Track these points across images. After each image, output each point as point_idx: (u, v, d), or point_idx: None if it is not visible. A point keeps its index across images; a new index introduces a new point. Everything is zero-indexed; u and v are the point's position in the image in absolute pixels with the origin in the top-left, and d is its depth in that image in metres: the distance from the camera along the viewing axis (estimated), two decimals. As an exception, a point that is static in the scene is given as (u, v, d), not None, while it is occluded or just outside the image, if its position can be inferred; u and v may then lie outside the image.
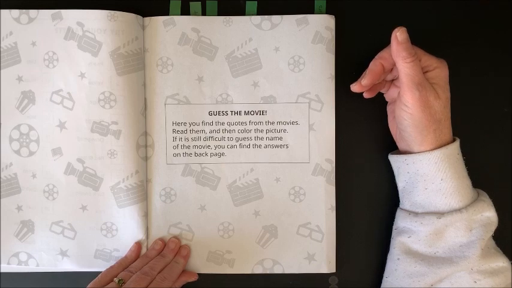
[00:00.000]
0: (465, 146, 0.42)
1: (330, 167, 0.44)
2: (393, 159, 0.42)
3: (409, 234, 0.40)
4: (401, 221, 0.41)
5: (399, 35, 0.36)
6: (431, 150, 0.38)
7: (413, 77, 0.37)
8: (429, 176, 0.39)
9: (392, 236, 0.42)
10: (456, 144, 0.39)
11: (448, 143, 0.39)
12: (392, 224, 0.43)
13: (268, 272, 0.45)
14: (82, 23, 0.42)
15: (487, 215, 0.39)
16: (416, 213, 0.40)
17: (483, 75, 0.45)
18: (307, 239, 0.44)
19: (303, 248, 0.44)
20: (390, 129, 0.43)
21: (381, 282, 0.43)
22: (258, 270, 0.45)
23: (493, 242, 0.40)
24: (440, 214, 0.38)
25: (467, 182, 0.40)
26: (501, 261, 0.38)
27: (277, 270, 0.45)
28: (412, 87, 0.37)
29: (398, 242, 0.41)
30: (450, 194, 0.38)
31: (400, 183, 0.42)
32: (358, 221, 0.45)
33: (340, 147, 0.45)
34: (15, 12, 0.43)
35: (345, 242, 0.45)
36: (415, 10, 0.45)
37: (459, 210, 0.38)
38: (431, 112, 0.37)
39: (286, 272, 0.45)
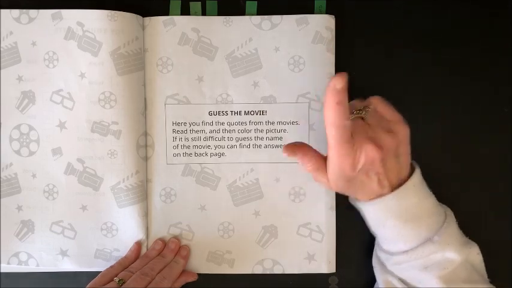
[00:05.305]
0: (465, 145, 0.42)
1: (330, 167, 0.44)
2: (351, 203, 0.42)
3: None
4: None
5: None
6: (369, 200, 0.37)
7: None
8: (373, 222, 0.39)
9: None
10: (396, 193, 0.36)
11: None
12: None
13: (268, 272, 0.45)
14: (82, 22, 0.42)
15: (440, 254, 0.36)
16: (378, 244, 0.41)
17: (483, 75, 0.45)
18: (307, 239, 0.44)
19: (303, 248, 0.44)
20: None
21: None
22: (258, 270, 0.45)
23: (463, 273, 0.36)
24: (390, 254, 0.39)
25: (417, 223, 0.36)
26: None
27: (277, 270, 0.45)
28: None
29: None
30: (395, 238, 0.37)
31: None
32: (358, 221, 0.45)
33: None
34: (15, 12, 0.43)
35: (345, 242, 0.45)
36: (415, 10, 0.45)
37: (406, 252, 0.37)
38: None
39: (286, 272, 0.45)
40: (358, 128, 0.35)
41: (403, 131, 0.36)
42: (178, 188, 0.45)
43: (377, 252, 0.41)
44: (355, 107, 0.37)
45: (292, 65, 0.44)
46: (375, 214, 0.38)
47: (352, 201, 0.41)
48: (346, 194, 0.38)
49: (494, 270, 0.39)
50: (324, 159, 0.37)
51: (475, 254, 0.38)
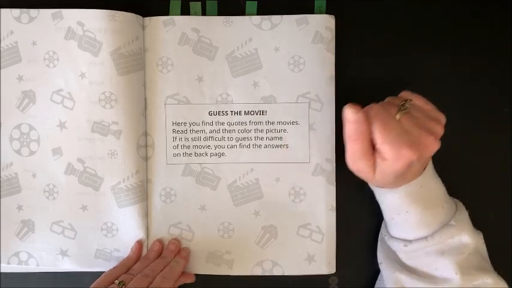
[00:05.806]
0: (465, 145, 0.42)
1: (330, 167, 0.44)
2: (371, 187, 0.42)
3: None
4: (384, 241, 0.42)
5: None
6: (393, 188, 0.37)
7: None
8: (395, 207, 0.38)
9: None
10: (418, 180, 0.37)
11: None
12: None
13: (267, 274, 0.44)
14: (82, 22, 0.42)
15: (457, 238, 0.37)
16: (390, 236, 0.41)
17: (483, 75, 0.45)
18: (307, 240, 0.44)
19: (303, 249, 0.44)
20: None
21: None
22: (257, 271, 0.45)
23: (475, 260, 0.38)
24: (407, 241, 0.39)
25: (435, 209, 0.38)
26: (481, 279, 0.37)
27: (277, 271, 0.45)
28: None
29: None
30: (416, 224, 0.38)
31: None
32: (358, 221, 0.45)
33: (340, 147, 0.45)
34: (16, 11, 0.43)
35: (345, 242, 0.45)
36: (415, 10, 0.45)
37: (425, 238, 0.38)
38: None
39: (286, 273, 0.44)
40: (411, 123, 0.34)
41: (442, 117, 0.37)
42: (178, 188, 0.45)
43: (387, 242, 0.41)
44: (395, 103, 0.36)
45: (292, 65, 0.44)
46: (399, 200, 0.38)
47: (373, 187, 0.41)
48: (380, 186, 0.38)
49: (495, 269, 0.39)
50: (373, 148, 0.35)
51: (481, 243, 0.39)
